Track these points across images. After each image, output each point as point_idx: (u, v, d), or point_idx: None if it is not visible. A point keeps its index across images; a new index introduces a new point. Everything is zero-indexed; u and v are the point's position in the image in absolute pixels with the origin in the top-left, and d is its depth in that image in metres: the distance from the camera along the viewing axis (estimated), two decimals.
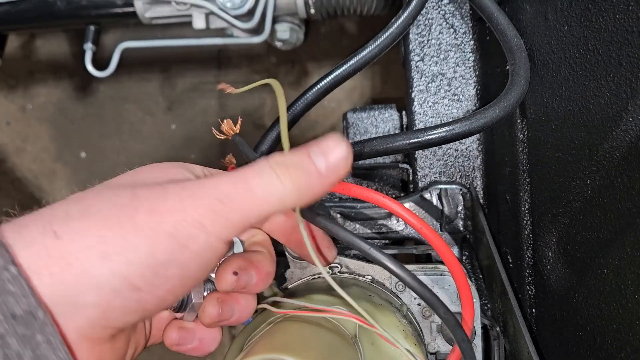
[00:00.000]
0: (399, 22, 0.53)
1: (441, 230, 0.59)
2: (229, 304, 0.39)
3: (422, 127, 0.60)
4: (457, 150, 0.60)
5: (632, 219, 0.39)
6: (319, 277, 0.50)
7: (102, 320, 0.30)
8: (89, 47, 0.89)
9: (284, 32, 0.85)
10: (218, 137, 0.45)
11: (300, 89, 1.30)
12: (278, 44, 0.87)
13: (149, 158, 1.34)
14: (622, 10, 0.39)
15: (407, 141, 0.46)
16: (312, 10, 0.81)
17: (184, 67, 1.34)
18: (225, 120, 0.45)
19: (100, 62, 0.97)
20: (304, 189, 0.34)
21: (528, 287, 0.53)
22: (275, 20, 0.83)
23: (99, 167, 1.38)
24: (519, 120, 0.54)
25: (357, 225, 0.59)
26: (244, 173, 0.33)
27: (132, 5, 0.84)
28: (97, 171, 1.37)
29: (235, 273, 0.38)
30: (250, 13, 0.79)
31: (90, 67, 0.88)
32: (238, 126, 0.45)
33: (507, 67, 0.51)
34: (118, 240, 0.30)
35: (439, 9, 0.60)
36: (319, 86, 0.53)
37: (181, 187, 0.33)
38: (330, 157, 0.34)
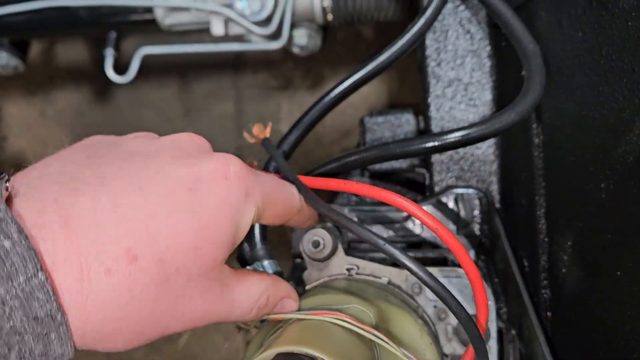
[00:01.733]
0: (415, 28, 0.55)
1: (457, 234, 0.59)
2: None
3: (439, 131, 0.61)
4: (474, 155, 0.61)
5: None
6: (336, 278, 0.50)
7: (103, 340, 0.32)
8: (109, 53, 0.91)
9: (302, 37, 0.86)
10: (248, 140, 0.46)
11: (316, 94, 1.32)
12: (295, 50, 0.88)
13: None
14: (635, 17, 0.40)
15: (424, 145, 0.47)
16: (330, 17, 0.82)
17: (201, 73, 1.36)
18: (255, 125, 0.46)
19: (119, 69, 0.99)
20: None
21: (543, 291, 0.54)
22: (293, 26, 0.85)
23: None
24: (534, 125, 0.54)
25: (375, 228, 0.60)
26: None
27: (152, 12, 0.86)
28: None
29: None
30: (269, 19, 0.80)
31: (110, 73, 0.90)
32: (268, 130, 0.46)
33: (523, 72, 0.52)
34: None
35: (456, 15, 0.61)
36: (336, 91, 0.54)
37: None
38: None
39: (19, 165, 0.35)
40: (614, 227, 0.43)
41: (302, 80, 1.32)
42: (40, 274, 0.28)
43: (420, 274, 0.37)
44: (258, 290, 0.39)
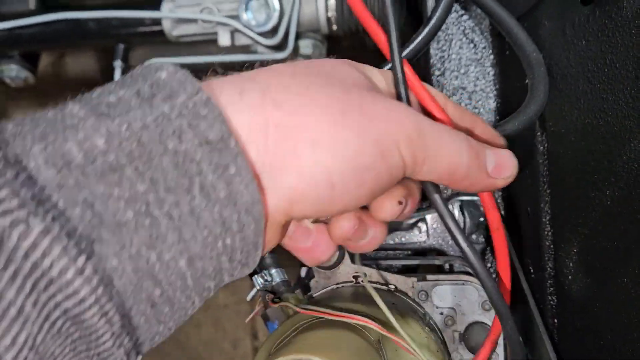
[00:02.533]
0: (420, 37, 0.55)
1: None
2: (366, 225, 0.36)
3: None
4: None
5: None
6: (343, 286, 0.51)
7: (288, 207, 0.30)
8: (118, 65, 0.92)
9: (307, 47, 0.87)
10: None
11: None
12: (301, 60, 0.89)
13: None
14: (638, 25, 0.40)
15: None
16: (335, 27, 0.83)
17: None
18: None
19: None
20: (474, 175, 0.36)
21: (550, 298, 0.54)
22: (298, 36, 0.86)
23: None
24: (538, 133, 0.55)
25: None
26: (442, 126, 0.35)
27: (160, 24, 0.87)
28: None
29: (400, 202, 0.36)
30: (274, 30, 0.81)
31: None
32: None
33: (527, 81, 0.53)
34: (330, 131, 0.30)
35: (459, 25, 0.62)
36: None
37: (388, 101, 0.33)
38: (505, 171, 0.38)
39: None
40: (619, 234, 0.44)
41: None
42: (201, 93, 0.27)
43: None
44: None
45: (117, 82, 0.29)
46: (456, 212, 0.61)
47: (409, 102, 0.37)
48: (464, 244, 0.37)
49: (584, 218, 0.48)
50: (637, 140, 0.41)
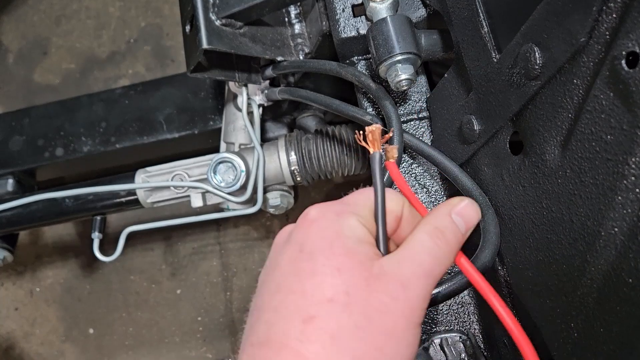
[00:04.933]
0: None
1: None
2: None
3: None
4: (452, 299, 0.64)
5: None
6: None
7: None
8: (96, 236, 0.95)
9: (275, 199, 0.92)
10: (359, 143, 0.42)
11: None
12: (271, 210, 0.94)
13: (156, 327, 1.36)
14: (562, 176, 0.45)
15: None
16: (299, 178, 0.88)
17: (185, 232, 1.40)
18: (374, 127, 0.42)
19: (107, 240, 1.02)
20: (450, 253, 0.40)
21: None
22: (265, 190, 0.91)
23: (107, 341, 1.38)
24: (499, 267, 0.58)
25: None
26: (406, 252, 0.38)
27: (134, 194, 0.92)
28: (105, 346, 1.38)
29: None
30: (243, 187, 0.86)
31: (98, 254, 0.94)
32: (386, 138, 0.43)
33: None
34: None
35: (410, 173, 0.68)
36: None
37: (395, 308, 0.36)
38: (469, 225, 0.42)
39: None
40: None
41: (282, 228, 1.37)
42: None
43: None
44: None
45: None
46: (437, 350, 0.62)
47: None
48: None
49: (558, 351, 0.50)
50: (585, 277, 0.44)
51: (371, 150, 0.42)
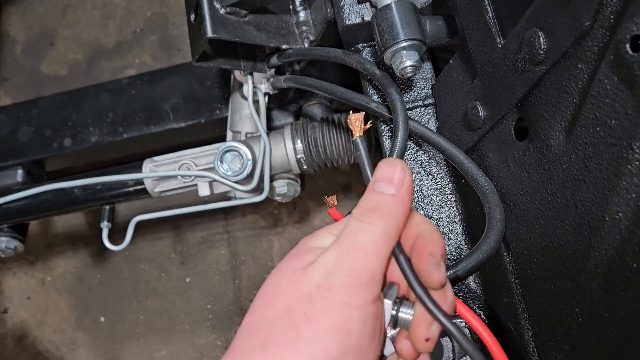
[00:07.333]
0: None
1: None
2: None
3: None
4: (463, 283, 0.64)
5: (621, 346, 0.43)
6: None
7: None
8: (104, 225, 0.96)
9: (282, 187, 0.92)
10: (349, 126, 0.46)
11: (304, 228, 1.37)
12: (278, 198, 0.94)
13: (166, 314, 1.37)
14: (566, 161, 0.45)
15: None
16: (305, 166, 0.89)
17: (193, 221, 1.41)
18: (357, 114, 0.46)
19: (116, 229, 1.03)
20: (393, 215, 0.41)
21: None
22: (272, 178, 0.91)
23: (118, 329, 1.40)
24: (505, 254, 0.58)
25: None
26: (344, 241, 0.40)
27: (142, 183, 0.92)
28: (117, 333, 1.40)
29: (427, 339, 0.42)
30: (250, 176, 0.87)
31: (107, 243, 0.95)
32: (368, 125, 0.47)
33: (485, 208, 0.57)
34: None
35: (416, 160, 0.68)
36: None
37: (318, 292, 0.38)
38: (393, 180, 0.42)
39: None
40: (596, 350, 0.46)
41: (289, 216, 1.38)
42: None
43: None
44: None
45: None
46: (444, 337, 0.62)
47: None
48: None
49: (563, 335, 0.50)
50: (590, 263, 0.44)
51: (355, 135, 0.46)
